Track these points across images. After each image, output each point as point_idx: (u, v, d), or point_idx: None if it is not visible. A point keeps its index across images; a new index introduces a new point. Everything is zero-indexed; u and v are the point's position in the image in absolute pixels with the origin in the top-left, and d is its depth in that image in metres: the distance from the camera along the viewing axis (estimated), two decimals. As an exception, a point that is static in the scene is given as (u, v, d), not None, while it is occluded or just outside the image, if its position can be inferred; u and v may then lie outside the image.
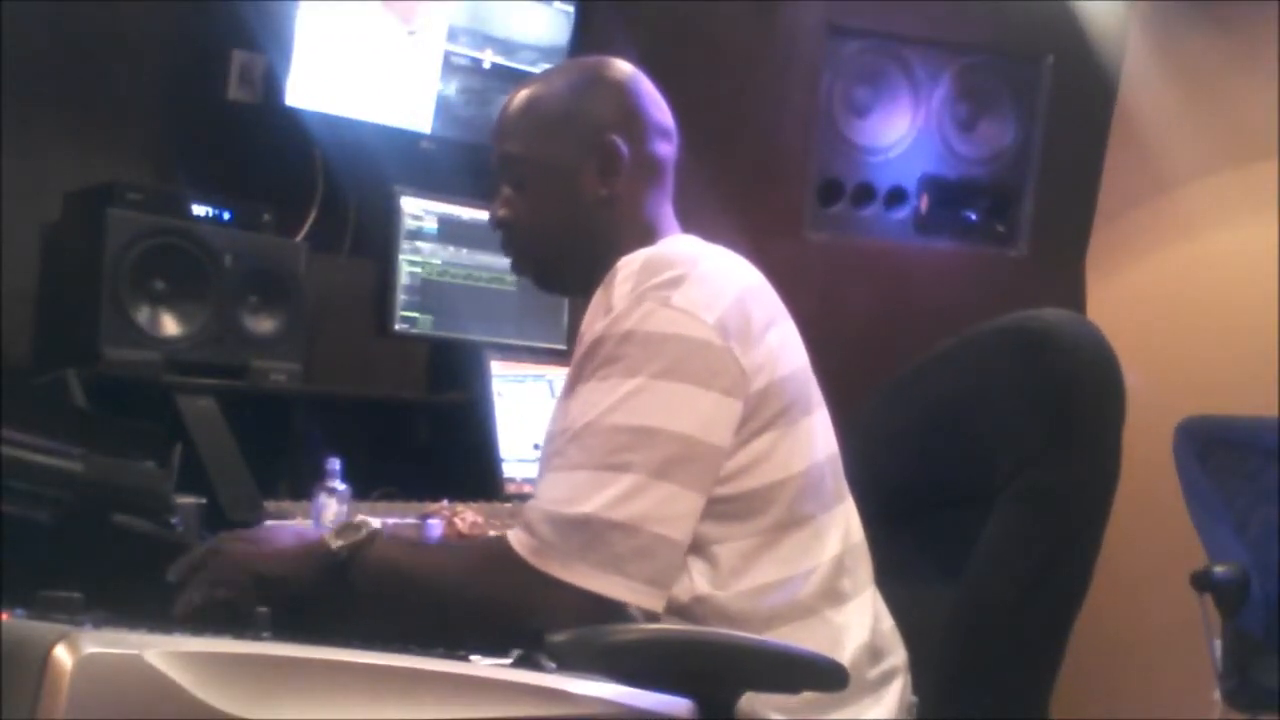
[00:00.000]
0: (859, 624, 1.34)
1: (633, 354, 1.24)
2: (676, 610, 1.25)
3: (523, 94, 1.49)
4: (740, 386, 1.27)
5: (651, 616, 1.22)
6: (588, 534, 1.20)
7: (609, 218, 1.44)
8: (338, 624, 1.20)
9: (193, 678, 0.69)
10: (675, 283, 1.27)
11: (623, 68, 1.50)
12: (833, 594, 1.33)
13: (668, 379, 1.24)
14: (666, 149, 1.49)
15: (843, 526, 1.38)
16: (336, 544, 1.28)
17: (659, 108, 1.50)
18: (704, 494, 1.25)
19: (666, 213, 1.49)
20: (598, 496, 1.21)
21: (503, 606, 1.22)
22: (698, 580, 1.27)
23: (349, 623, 1.26)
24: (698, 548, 1.27)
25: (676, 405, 1.24)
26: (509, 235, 1.49)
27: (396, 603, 1.28)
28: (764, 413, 1.29)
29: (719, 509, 1.27)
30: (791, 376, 1.33)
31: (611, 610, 1.20)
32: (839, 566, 1.34)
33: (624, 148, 1.43)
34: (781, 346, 1.34)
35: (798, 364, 1.36)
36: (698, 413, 1.24)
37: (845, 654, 1.30)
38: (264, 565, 1.29)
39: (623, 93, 1.47)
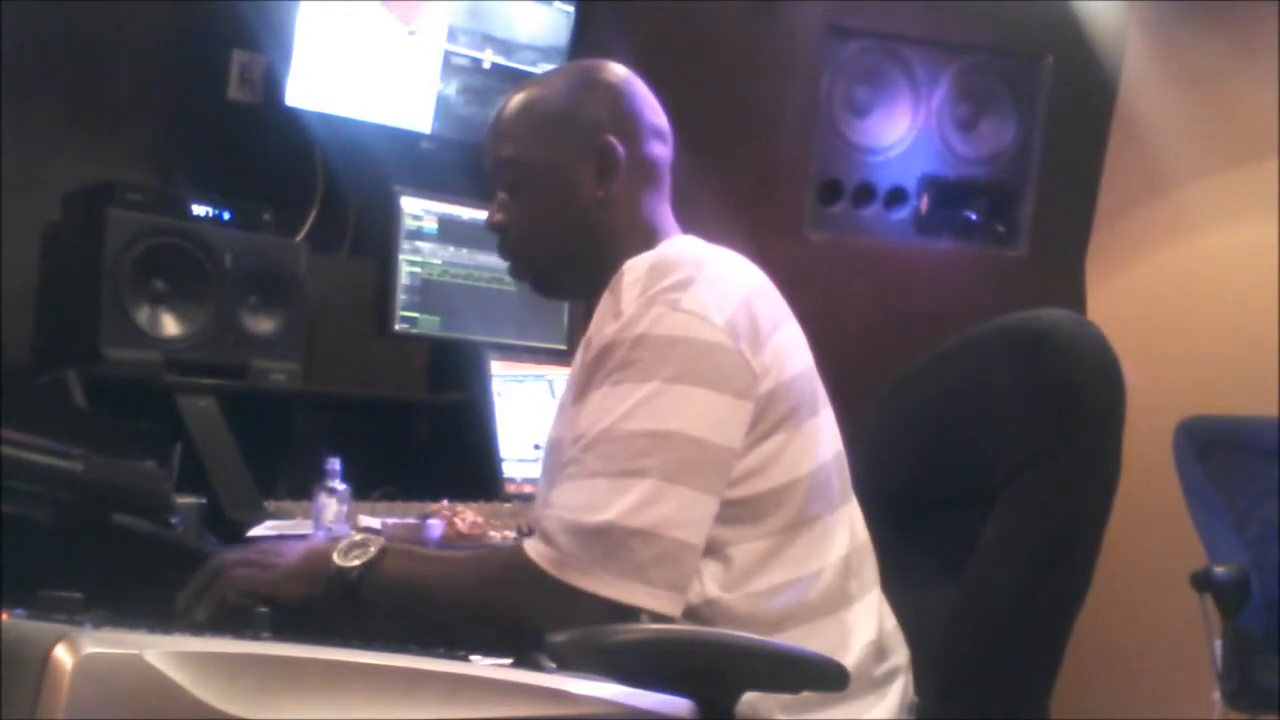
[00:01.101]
0: (866, 623, 1.34)
1: (646, 358, 1.24)
2: (688, 613, 1.25)
3: (517, 98, 1.48)
4: (751, 388, 1.27)
5: (661, 619, 1.22)
6: (608, 543, 1.19)
7: (607, 220, 1.44)
8: (352, 641, 1.19)
9: (193, 678, 0.69)
10: (684, 285, 1.26)
11: (617, 70, 1.50)
12: (841, 594, 1.33)
13: (681, 382, 1.23)
14: (662, 150, 1.49)
15: (849, 527, 1.38)
16: (348, 563, 1.27)
17: (653, 109, 1.49)
18: (718, 497, 1.25)
19: (665, 214, 1.49)
20: (617, 504, 1.20)
21: (523, 617, 1.20)
22: (709, 583, 1.27)
23: (364, 640, 1.25)
24: (711, 550, 1.27)
25: (691, 408, 1.23)
26: (506, 240, 1.49)
27: (413, 618, 1.26)
28: (772, 414, 1.29)
29: (730, 512, 1.27)
30: (798, 377, 1.33)
31: (631, 617, 1.19)
32: (846, 567, 1.34)
33: (620, 149, 1.43)
34: (788, 347, 1.34)
35: (804, 365, 1.36)
36: (711, 415, 1.24)
37: (852, 653, 1.30)
38: (274, 589, 1.27)
39: (617, 95, 1.47)
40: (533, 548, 1.23)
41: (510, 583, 1.25)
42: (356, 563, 1.27)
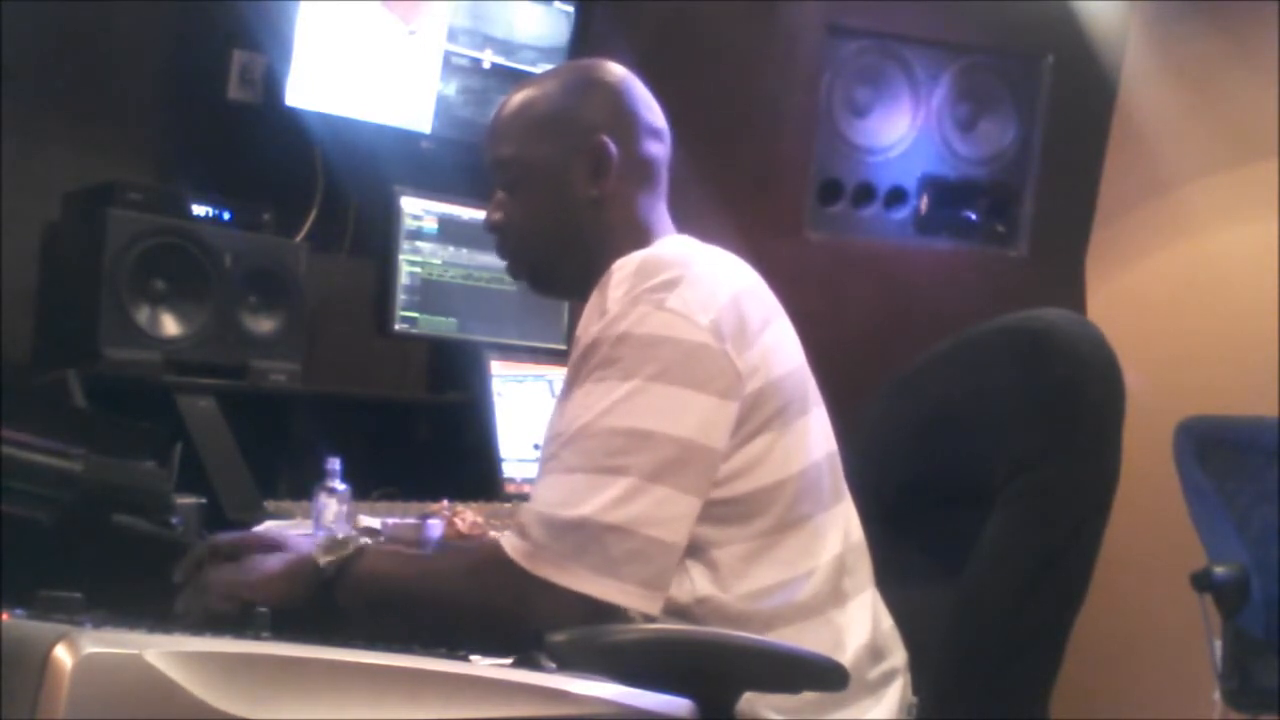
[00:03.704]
0: (860, 624, 1.34)
1: (628, 356, 1.24)
2: (678, 612, 1.25)
3: (515, 98, 1.49)
4: (735, 389, 1.27)
5: (647, 619, 1.22)
6: (582, 537, 1.20)
7: (601, 219, 1.44)
8: (332, 639, 1.19)
9: (193, 678, 0.69)
10: (670, 285, 1.27)
11: (614, 70, 1.50)
12: (834, 594, 1.33)
13: (663, 382, 1.23)
14: (658, 150, 1.49)
15: (842, 526, 1.38)
16: (323, 560, 1.28)
17: (650, 109, 1.50)
18: (700, 497, 1.25)
19: (660, 213, 1.49)
20: (593, 499, 1.20)
21: (497, 611, 1.22)
22: (699, 582, 1.26)
23: (343, 637, 1.25)
24: (698, 551, 1.27)
25: (672, 408, 1.23)
26: (503, 239, 1.50)
27: (389, 614, 1.27)
28: (760, 414, 1.29)
29: (717, 512, 1.27)
30: (787, 377, 1.33)
31: (606, 614, 1.20)
32: (840, 566, 1.34)
33: (614, 149, 1.43)
34: (777, 347, 1.34)
35: (793, 364, 1.36)
36: (693, 415, 1.24)
37: (846, 654, 1.30)
38: (252, 593, 1.28)
39: (613, 94, 1.47)
40: (508, 541, 1.24)
41: (484, 575, 1.25)
42: (330, 559, 1.28)
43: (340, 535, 1.33)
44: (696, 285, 1.28)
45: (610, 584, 1.20)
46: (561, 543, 1.20)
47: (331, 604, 1.27)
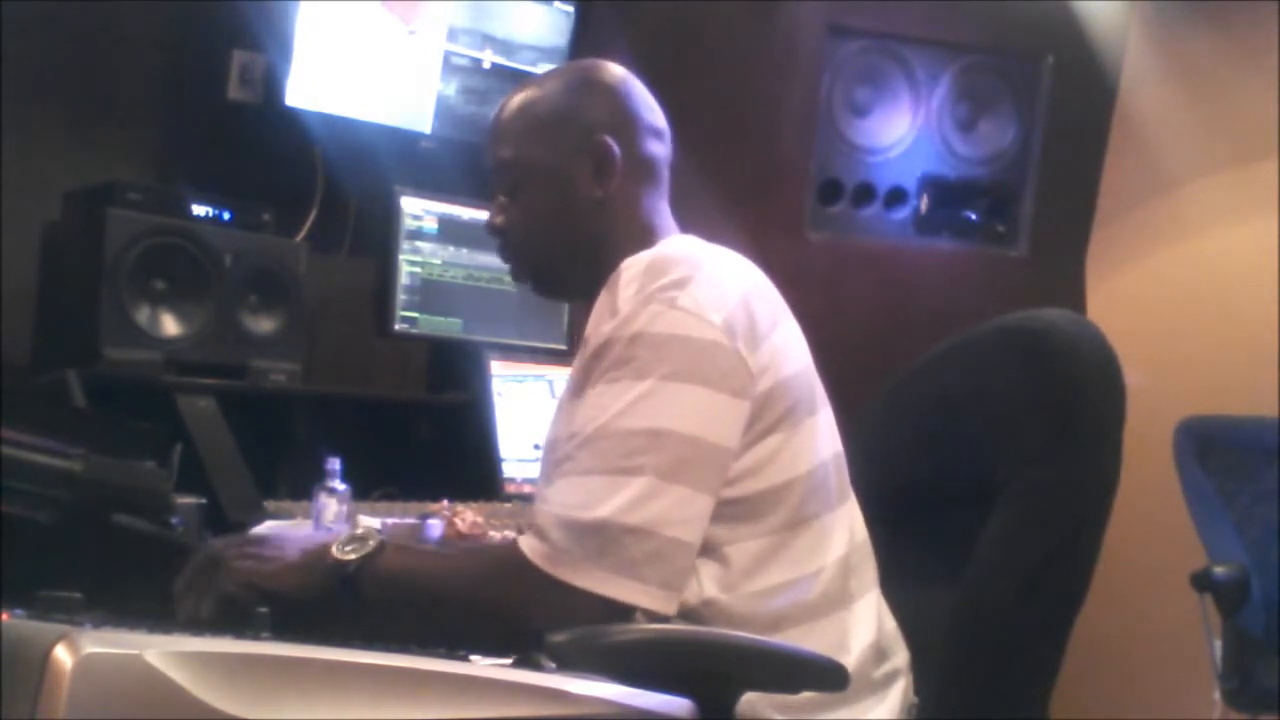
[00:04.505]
0: (865, 624, 1.34)
1: (641, 356, 1.24)
2: (686, 614, 1.25)
3: (515, 99, 1.49)
4: (747, 388, 1.27)
5: (657, 618, 1.22)
6: (602, 539, 1.20)
7: (604, 219, 1.44)
8: (347, 635, 1.19)
9: (193, 678, 0.69)
10: (681, 284, 1.27)
11: (614, 70, 1.50)
12: (840, 594, 1.33)
13: (677, 380, 1.23)
14: (660, 149, 1.49)
15: (848, 526, 1.38)
16: (346, 555, 1.27)
17: (651, 109, 1.49)
18: (714, 495, 1.25)
19: (663, 213, 1.49)
20: (612, 501, 1.20)
21: (516, 613, 1.21)
22: (707, 584, 1.27)
23: (359, 633, 1.25)
24: (708, 550, 1.27)
25: (686, 407, 1.23)
26: (505, 242, 1.49)
27: (408, 612, 1.26)
28: (769, 414, 1.29)
29: (727, 511, 1.27)
30: (796, 376, 1.33)
31: (624, 615, 1.20)
32: (845, 567, 1.34)
33: (616, 149, 1.43)
34: (786, 347, 1.34)
35: (802, 364, 1.36)
36: (707, 414, 1.24)
37: (851, 654, 1.30)
38: (271, 582, 1.27)
39: (614, 94, 1.47)
40: (527, 543, 1.23)
41: (504, 578, 1.25)
42: (354, 556, 1.27)
43: (359, 530, 1.31)
44: (707, 284, 1.28)
45: (633, 585, 1.19)
46: (582, 545, 1.20)
47: (344, 598, 1.26)
